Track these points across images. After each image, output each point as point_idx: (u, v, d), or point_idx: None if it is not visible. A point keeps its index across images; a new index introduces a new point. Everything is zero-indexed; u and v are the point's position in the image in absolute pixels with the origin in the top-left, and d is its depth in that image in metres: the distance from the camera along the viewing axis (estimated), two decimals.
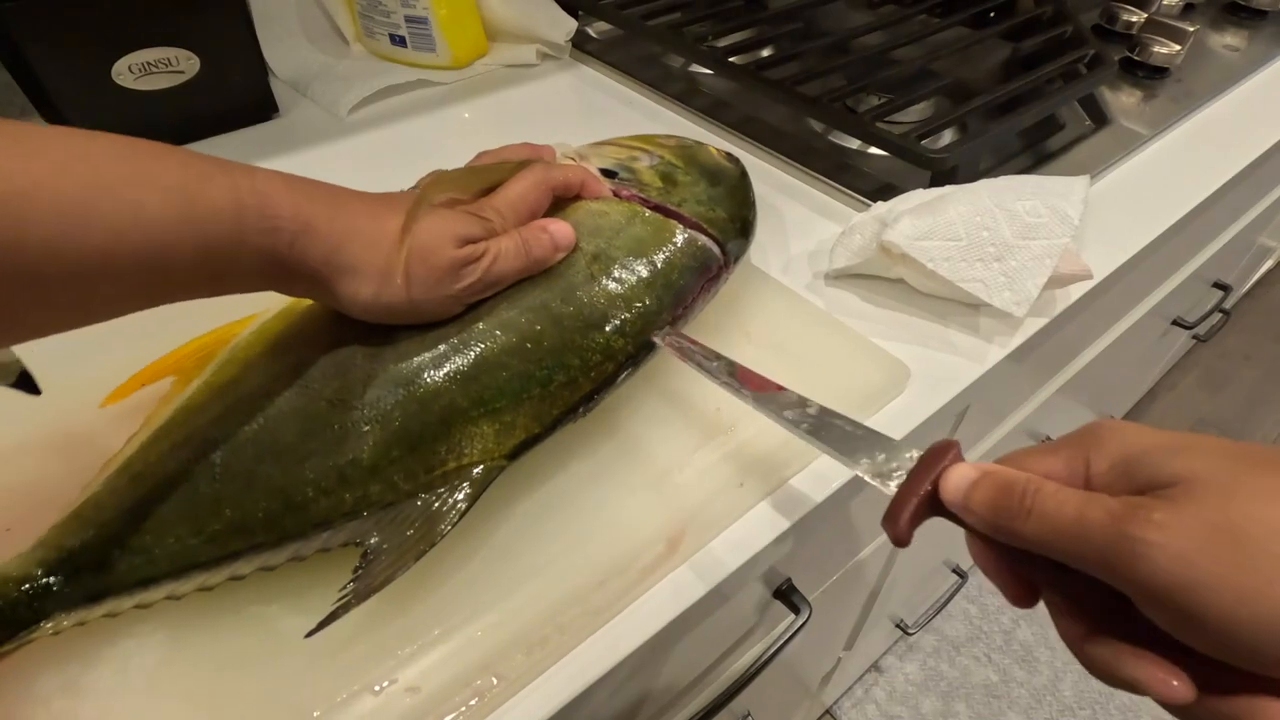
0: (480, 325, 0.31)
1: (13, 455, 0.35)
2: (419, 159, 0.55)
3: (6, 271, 0.21)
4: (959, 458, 0.25)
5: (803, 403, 0.31)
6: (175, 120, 0.57)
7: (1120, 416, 1.24)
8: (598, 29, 0.75)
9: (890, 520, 0.24)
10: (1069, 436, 0.23)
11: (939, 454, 0.25)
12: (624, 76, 0.68)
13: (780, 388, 0.32)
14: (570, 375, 0.32)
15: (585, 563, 0.31)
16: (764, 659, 0.44)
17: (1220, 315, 1.14)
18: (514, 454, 0.31)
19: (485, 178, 0.34)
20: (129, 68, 0.54)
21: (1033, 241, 0.40)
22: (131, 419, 0.34)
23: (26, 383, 0.29)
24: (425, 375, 0.30)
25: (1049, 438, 0.84)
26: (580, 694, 0.28)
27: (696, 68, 0.69)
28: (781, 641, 0.44)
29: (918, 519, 0.24)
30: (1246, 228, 0.94)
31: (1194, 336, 1.24)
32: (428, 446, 0.30)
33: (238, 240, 0.25)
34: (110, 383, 0.35)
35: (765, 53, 0.69)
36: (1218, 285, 1.03)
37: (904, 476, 0.25)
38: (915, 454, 0.26)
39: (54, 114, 0.58)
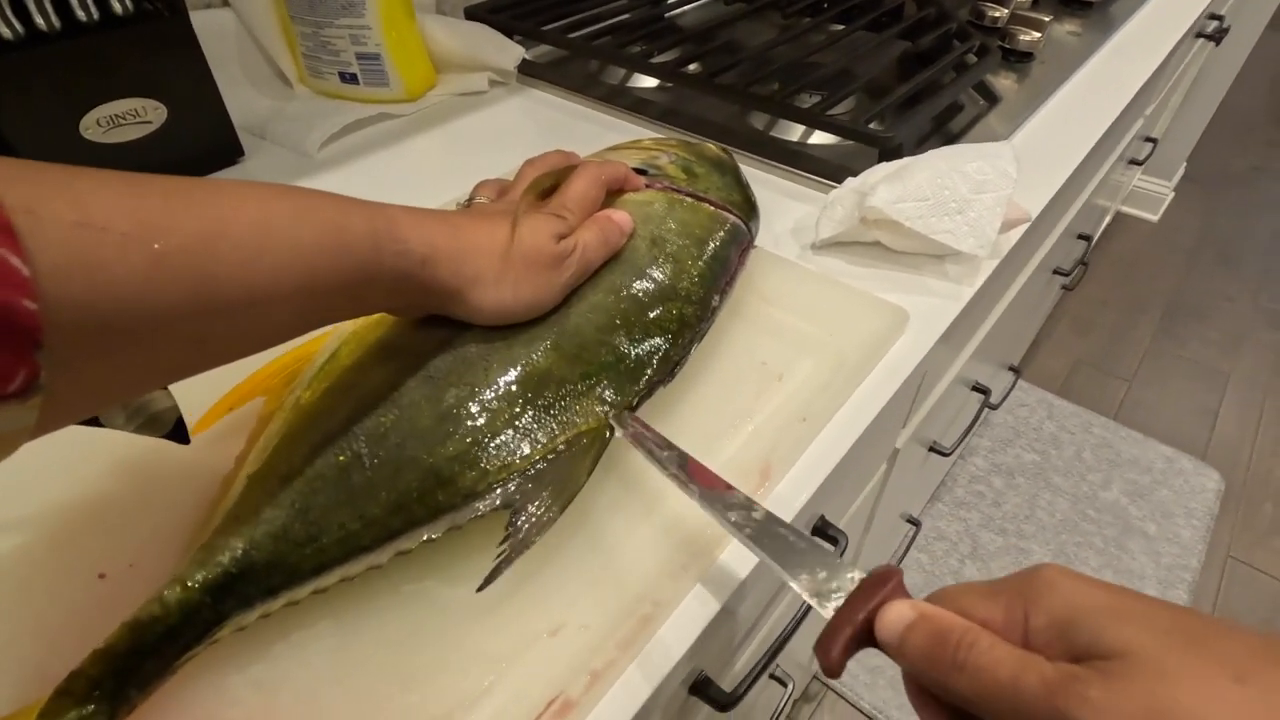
0: (574, 309, 0.35)
1: (109, 492, 0.35)
2: (391, 188, 0.58)
3: (212, 299, 0.23)
4: (900, 588, 0.24)
5: (749, 505, 0.30)
6: (147, 170, 0.57)
7: (1016, 364, 1.39)
8: (534, 52, 0.79)
9: (823, 650, 0.24)
10: (1011, 580, 0.23)
11: (879, 582, 0.25)
12: (571, 94, 0.73)
13: (729, 487, 0.31)
14: (655, 345, 0.36)
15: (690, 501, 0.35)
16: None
17: (1081, 267, 1.32)
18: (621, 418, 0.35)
19: (546, 182, 0.38)
20: (97, 121, 0.53)
21: (984, 195, 0.48)
22: (223, 443, 0.35)
23: (179, 432, 0.30)
24: (536, 356, 0.34)
25: (979, 383, 0.95)
26: (725, 603, 0.32)
27: (634, 81, 0.75)
28: None
29: (851, 650, 0.24)
30: (1097, 187, 1.10)
31: (1064, 287, 1.42)
32: (550, 417, 0.33)
33: (376, 264, 0.28)
34: (192, 412, 0.35)
35: (692, 67, 0.75)
36: (1082, 237, 1.19)
37: (842, 600, 0.25)
38: (857, 575, 0.25)
39: None
